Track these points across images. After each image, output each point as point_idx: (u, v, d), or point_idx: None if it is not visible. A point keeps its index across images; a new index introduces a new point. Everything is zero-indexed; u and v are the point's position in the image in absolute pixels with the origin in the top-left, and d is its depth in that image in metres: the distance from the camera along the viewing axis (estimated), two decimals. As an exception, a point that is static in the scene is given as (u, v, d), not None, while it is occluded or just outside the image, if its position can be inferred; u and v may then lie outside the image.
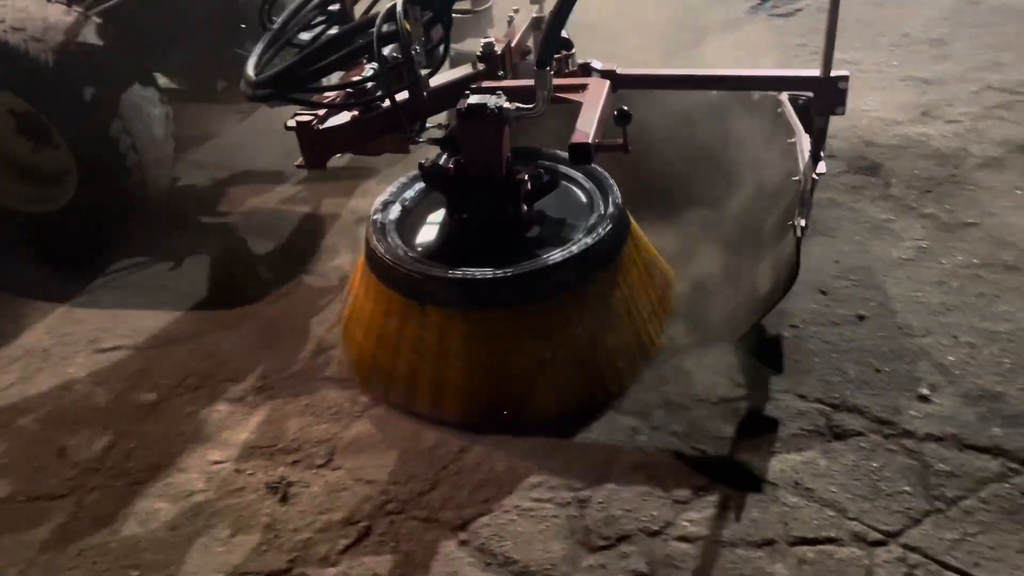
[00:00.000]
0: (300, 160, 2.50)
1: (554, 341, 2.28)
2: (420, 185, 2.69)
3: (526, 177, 2.40)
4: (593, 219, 2.43)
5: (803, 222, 2.12)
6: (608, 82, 2.34)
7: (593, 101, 2.24)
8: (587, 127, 2.11)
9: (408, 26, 2.16)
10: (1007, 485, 1.92)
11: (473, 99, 2.23)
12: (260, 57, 2.35)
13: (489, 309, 2.27)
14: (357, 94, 2.43)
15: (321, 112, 2.44)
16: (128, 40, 3.17)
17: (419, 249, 2.43)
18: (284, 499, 2.10)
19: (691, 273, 2.68)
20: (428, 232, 2.55)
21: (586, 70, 2.47)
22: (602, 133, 2.16)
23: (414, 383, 2.35)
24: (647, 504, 1.98)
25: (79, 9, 3.05)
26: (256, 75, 2.26)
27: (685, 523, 1.92)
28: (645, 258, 2.55)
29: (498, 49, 2.41)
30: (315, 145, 2.46)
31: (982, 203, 2.96)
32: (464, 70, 2.47)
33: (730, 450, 2.11)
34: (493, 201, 2.41)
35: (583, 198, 2.58)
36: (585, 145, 2.06)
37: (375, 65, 2.34)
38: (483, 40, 2.43)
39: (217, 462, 2.24)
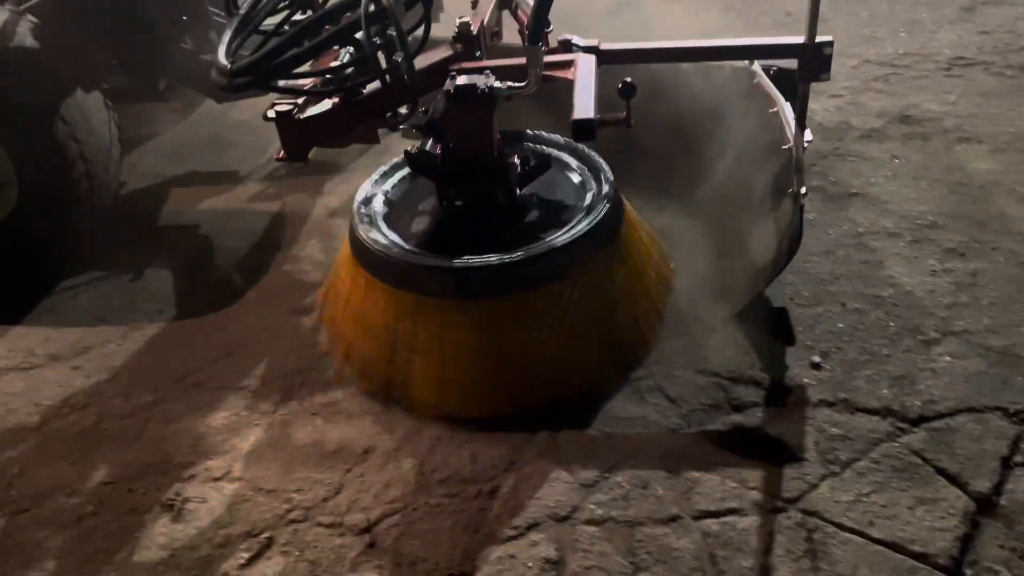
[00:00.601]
0: (280, 153, 2.37)
1: (569, 322, 2.24)
2: (400, 175, 2.62)
3: (517, 159, 2.35)
4: (590, 198, 2.40)
5: (804, 190, 2.13)
6: (594, 57, 2.28)
7: (585, 77, 2.17)
8: (587, 103, 2.04)
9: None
10: (896, 444, 1.99)
11: (461, 80, 2.15)
12: (230, 45, 2.18)
13: (501, 296, 2.22)
14: (340, 80, 2.26)
15: (300, 101, 2.30)
16: (67, 39, 2.96)
17: (413, 240, 2.35)
18: (179, 516, 2.01)
19: (680, 248, 2.69)
20: (420, 222, 2.46)
21: (566, 46, 2.39)
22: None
23: (418, 376, 2.27)
24: (554, 490, 1.98)
25: (13, 8, 2.85)
26: (231, 64, 2.08)
27: (592, 506, 1.93)
28: (640, 234, 2.53)
29: (474, 29, 2.33)
30: (296, 136, 2.32)
31: (863, 173, 3.07)
32: (442, 52, 2.35)
33: (637, 429, 2.14)
34: (485, 185, 2.35)
35: (573, 178, 2.54)
36: (589, 121, 1.98)
37: (351, 50, 2.23)
38: (458, 20, 2.34)
39: (108, 483, 2.13)
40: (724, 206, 2.66)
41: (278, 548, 1.90)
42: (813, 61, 2.18)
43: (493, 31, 2.57)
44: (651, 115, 2.56)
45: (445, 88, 2.16)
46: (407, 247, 2.29)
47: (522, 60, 2.16)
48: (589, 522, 1.89)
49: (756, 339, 2.35)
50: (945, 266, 2.57)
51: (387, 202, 2.53)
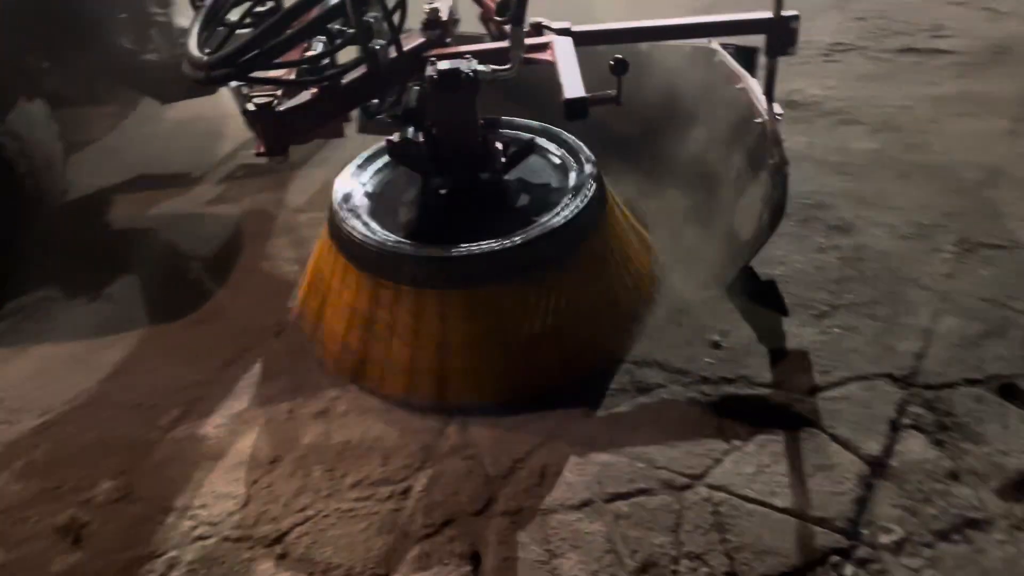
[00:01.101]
0: (259, 147, 2.26)
1: (571, 303, 2.23)
2: (377, 165, 2.57)
3: (499, 144, 2.33)
4: (574, 178, 2.39)
5: (784, 159, 2.15)
6: (571, 39, 2.28)
7: (568, 58, 2.19)
8: (575, 82, 2.06)
9: None
10: (793, 415, 2.07)
11: (443, 65, 2.10)
12: (200, 37, 2.10)
13: (503, 281, 2.17)
14: (319, 69, 2.16)
15: (278, 93, 2.20)
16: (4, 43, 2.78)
17: (402, 231, 2.26)
18: (77, 541, 1.92)
19: (658, 228, 2.71)
20: (405, 212, 2.39)
21: (538, 29, 2.37)
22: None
23: (424, 369, 2.21)
24: (468, 484, 1.97)
25: None
26: (208, 55, 1.99)
27: (504, 497, 1.93)
28: (620, 212, 2.54)
29: (443, 15, 2.28)
30: (276, 130, 2.22)
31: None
32: (414, 39, 2.27)
33: (553, 417, 2.15)
34: (471, 171, 2.32)
35: (552, 160, 2.54)
36: (582, 99, 2.01)
37: (323, 39, 2.15)
38: (427, 6, 2.29)
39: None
40: (697, 184, 2.68)
41: (183, 568, 1.84)
42: (781, 35, 2.25)
43: (454, 19, 2.54)
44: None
45: (428, 74, 2.12)
46: (398, 239, 2.21)
47: (495, 45, 2.19)
48: (504, 514, 1.90)
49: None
50: (832, 243, 2.68)
51: (368, 194, 2.46)
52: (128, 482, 2.06)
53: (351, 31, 2.08)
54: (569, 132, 2.59)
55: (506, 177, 2.43)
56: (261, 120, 2.20)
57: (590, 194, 2.28)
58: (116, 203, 3.41)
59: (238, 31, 2.25)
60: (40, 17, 2.90)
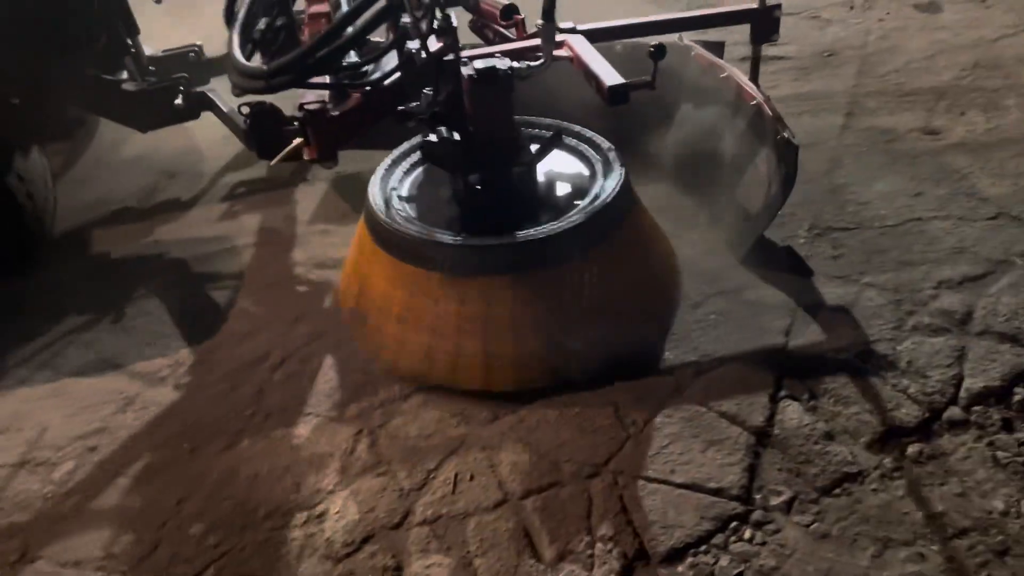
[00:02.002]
0: (311, 154, 2.37)
1: (620, 280, 2.36)
2: (403, 167, 2.65)
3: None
4: (602, 166, 2.53)
5: (792, 134, 2.34)
6: (583, 36, 2.42)
7: (590, 52, 2.37)
8: (609, 71, 2.22)
9: None
10: (682, 398, 2.22)
11: (479, 64, 2.19)
12: (243, 49, 2.25)
13: (555, 266, 2.28)
14: (361, 75, 2.27)
15: (327, 98, 2.31)
16: None
17: (448, 225, 2.35)
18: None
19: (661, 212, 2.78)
20: (446, 208, 2.49)
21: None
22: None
23: (485, 355, 2.28)
24: (383, 499, 2.01)
25: None
26: (267, 64, 2.13)
27: (421, 507, 1.98)
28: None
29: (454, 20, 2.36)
30: (328, 134, 2.33)
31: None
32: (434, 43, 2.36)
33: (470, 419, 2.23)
34: (505, 165, 2.42)
35: (572, 152, 2.66)
36: (624, 85, 2.16)
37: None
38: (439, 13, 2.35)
39: None
40: (691, 169, 2.83)
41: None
42: (765, 24, 2.50)
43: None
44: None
45: (467, 73, 2.19)
46: (446, 232, 2.30)
47: (523, 43, 2.41)
48: (422, 524, 1.94)
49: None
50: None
51: (406, 194, 2.55)
52: (25, 539, 1.98)
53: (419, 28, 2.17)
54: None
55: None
56: (314, 125, 2.30)
57: (623, 177, 2.43)
58: (111, 235, 3.35)
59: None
60: (17, 51, 2.85)
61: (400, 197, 2.51)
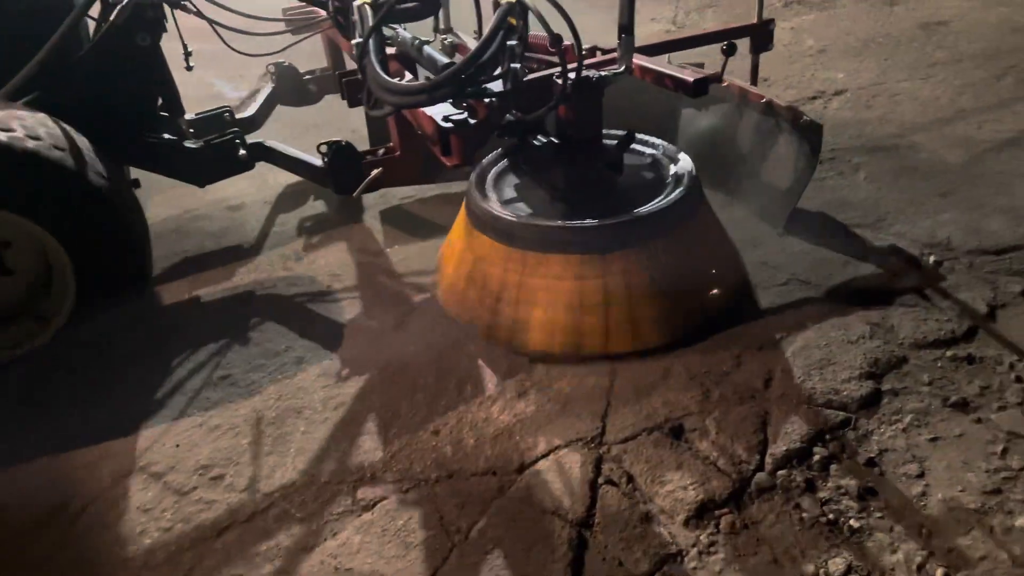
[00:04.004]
0: (453, 161, 2.66)
1: (714, 241, 2.94)
2: (496, 171, 3.10)
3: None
4: (673, 164, 2.97)
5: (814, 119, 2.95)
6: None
7: (650, 61, 2.94)
8: (681, 71, 2.79)
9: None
10: (504, 498, 2.19)
11: (573, 74, 2.52)
12: (384, 71, 2.63)
13: (669, 233, 2.71)
14: (481, 90, 2.52)
15: (463, 110, 2.65)
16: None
17: (559, 215, 2.73)
18: None
19: None
20: (549, 201, 2.88)
21: (592, 51, 3.04)
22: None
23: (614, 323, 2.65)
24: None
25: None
26: (428, 79, 2.47)
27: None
28: None
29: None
30: (469, 142, 2.64)
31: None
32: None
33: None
34: (594, 162, 2.83)
35: (640, 150, 3.14)
36: (705, 78, 2.71)
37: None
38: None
39: None
40: (708, 163, 3.16)
41: None
42: (762, 36, 3.08)
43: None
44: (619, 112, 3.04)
45: (566, 82, 2.50)
46: (556, 220, 2.68)
47: (606, 56, 2.89)
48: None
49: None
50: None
51: (506, 195, 2.96)
52: None
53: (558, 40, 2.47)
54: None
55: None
56: (458, 133, 2.61)
57: (694, 170, 2.88)
58: (194, 281, 3.45)
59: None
60: (88, 112, 3.00)
61: (503, 201, 2.91)
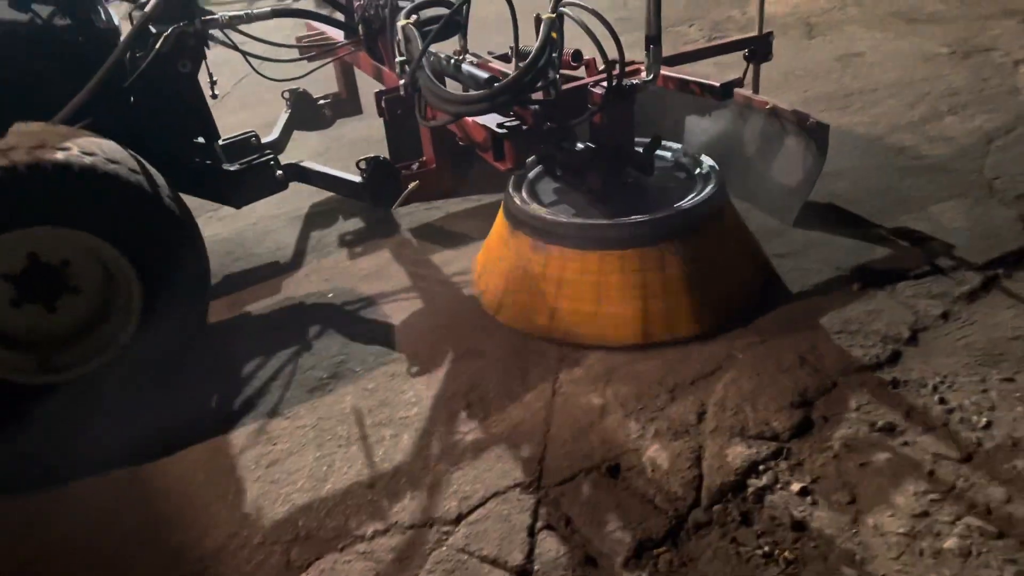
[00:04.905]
0: (507, 165, 2.88)
1: (742, 237, 3.19)
2: (530, 178, 3.32)
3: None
4: (699, 168, 3.19)
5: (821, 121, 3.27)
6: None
7: (674, 70, 3.27)
8: (706, 76, 3.13)
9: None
10: (444, 549, 2.16)
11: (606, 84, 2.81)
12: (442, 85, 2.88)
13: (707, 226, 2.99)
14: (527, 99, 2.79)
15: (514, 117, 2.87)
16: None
17: (601, 216, 2.94)
18: None
19: None
20: (587, 204, 3.09)
21: (611, 63, 3.02)
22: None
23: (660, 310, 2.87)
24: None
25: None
26: (487, 88, 2.69)
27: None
28: None
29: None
30: (521, 147, 2.85)
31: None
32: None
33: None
34: (625, 167, 3.09)
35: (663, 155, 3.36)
36: (731, 82, 3.07)
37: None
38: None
39: None
40: (720, 160, 3.28)
41: None
42: (763, 47, 3.38)
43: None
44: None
45: (611, 88, 2.79)
46: (597, 220, 2.91)
47: (635, 66, 3.13)
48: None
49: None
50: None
51: (546, 200, 3.18)
52: None
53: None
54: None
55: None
56: (512, 139, 2.81)
57: (719, 171, 3.12)
58: (240, 297, 3.57)
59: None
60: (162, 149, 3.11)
61: (545, 204, 3.12)
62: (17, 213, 2.51)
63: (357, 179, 3.61)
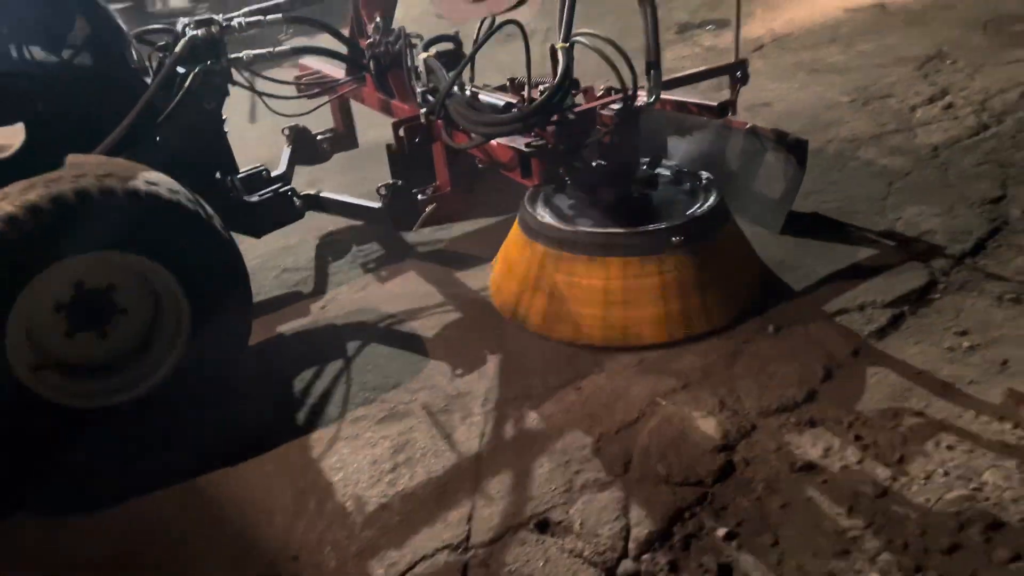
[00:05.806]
0: (534, 182, 3.23)
1: (743, 246, 3.47)
2: (542, 197, 3.49)
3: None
4: (699, 182, 3.44)
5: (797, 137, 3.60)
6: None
7: (672, 93, 3.63)
8: (709, 101, 3.60)
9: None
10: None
11: (617, 105, 3.11)
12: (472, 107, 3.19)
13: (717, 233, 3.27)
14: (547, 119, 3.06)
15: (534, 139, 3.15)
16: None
17: (616, 226, 3.16)
18: None
19: None
20: (600, 217, 3.26)
21: (608, 91, 3.51)
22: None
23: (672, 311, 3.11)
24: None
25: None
26: (521, 109, 3.02)
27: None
28: None
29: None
30: (548, 164, 3.14)
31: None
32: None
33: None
34: (630, 182, 3.35)
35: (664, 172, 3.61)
36: (725, 103, 3.54)
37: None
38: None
39: None
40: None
41: None
42: (741, 72, 3.58)
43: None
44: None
45: (608, 113, 3.12)
46: (613, 229, 3.15)
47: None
48: None
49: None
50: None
51: (562, 215, 3.33)
52: None
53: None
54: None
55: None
56: (540, 156, 3.11)
57: (719, 186, 3.37)
58: (269, 320, 3.70)
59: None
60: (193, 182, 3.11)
61: (561, 217, 3.30)
62: (86, 238, 2.59)
63: (376, 205, 3.81)
